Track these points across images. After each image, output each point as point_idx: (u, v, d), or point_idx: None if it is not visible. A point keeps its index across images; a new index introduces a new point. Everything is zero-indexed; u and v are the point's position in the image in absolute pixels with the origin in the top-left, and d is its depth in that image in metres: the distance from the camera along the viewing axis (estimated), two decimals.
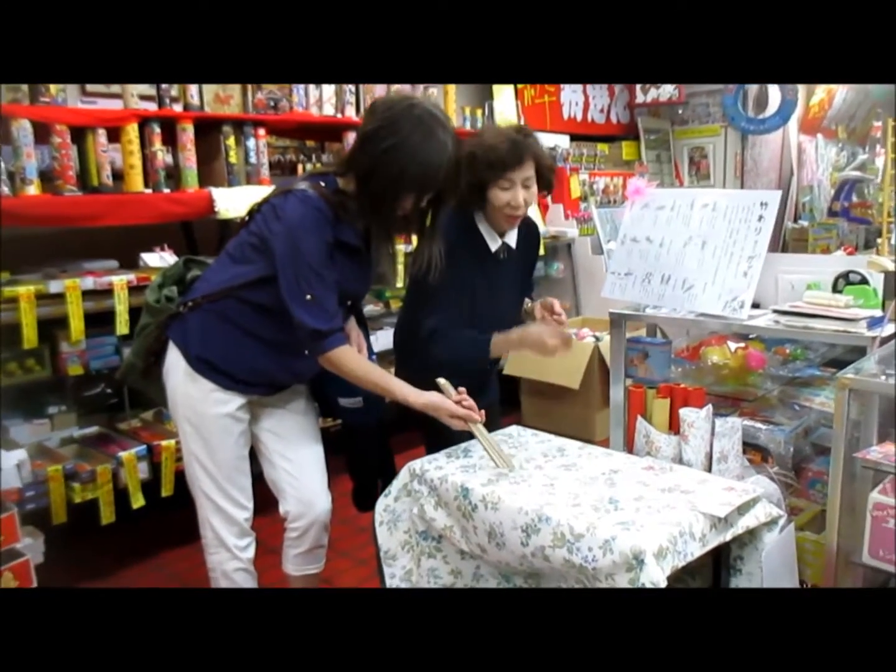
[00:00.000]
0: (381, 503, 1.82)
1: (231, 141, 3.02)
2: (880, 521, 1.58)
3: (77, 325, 2.46)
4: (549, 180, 2.04)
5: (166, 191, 2.81)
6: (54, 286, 2.43)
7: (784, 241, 5.49)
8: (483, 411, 1.78)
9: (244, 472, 1.90)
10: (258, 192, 3.00)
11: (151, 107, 2.87)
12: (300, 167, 3.40)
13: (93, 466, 2.56)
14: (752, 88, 5.49)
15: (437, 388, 1.78)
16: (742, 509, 1.59)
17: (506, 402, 1.97)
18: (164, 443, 2.68)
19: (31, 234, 2.71)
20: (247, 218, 1.83)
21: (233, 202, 2.88)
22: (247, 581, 1.95)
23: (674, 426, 2.02)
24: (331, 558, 2.10)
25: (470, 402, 1.77)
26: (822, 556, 1.81)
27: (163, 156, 2.83)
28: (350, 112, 3.52)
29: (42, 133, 2.50)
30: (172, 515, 2.60)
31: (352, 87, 3.51)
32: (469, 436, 2.02)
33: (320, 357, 1.75)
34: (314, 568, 2.02)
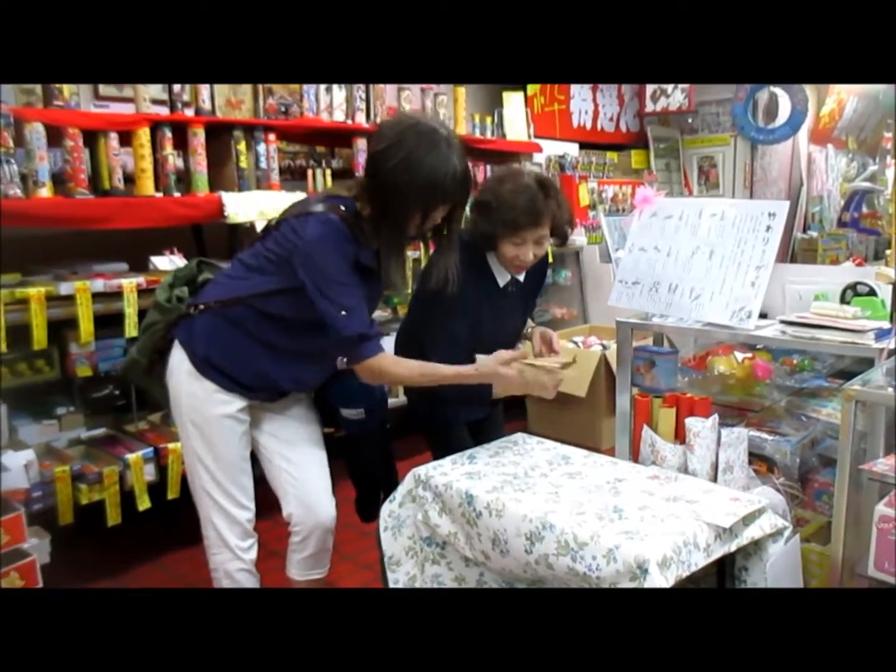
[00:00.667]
0: (386, 508, 1.83)
1: (242, 145, 3.03)
2: (886, 533, 1.57)
3: (86, 326, 2.47)
4: (563, 234, 2.03)
5: (176, 194, 2.83)
6: (64, 288, 2.45)
7: (793, 252, 5.48)
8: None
9: (246, 472, 1.91)
10: (268, 197, 3.05)
11: (163, 111, 2.89)
12: (310, 172, 3.41)
13: (100, 468, 2.57)
14: (763, 98, 5.49)
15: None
16: (747, 520, 1.58)
17: (511, 408, 1.97)
18: (170, 445, 2.69)
19: (42, 235, 2.73)
20: (263, 234, 1.85)
21: (242, 206, 2.89)
22: (249, 581, 1.95)
23: (679, 435, 2.02)
24: (334, 562, 2.10)
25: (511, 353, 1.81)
26: (827, 568, 1.80)
27: (174, 160, 2.84)
28: (360, 118, 3.53)
29: (55, 136, 2.52)
30: (178, 518, 2.61)
31: (362, 93, 3.53)
32: (474, 442, 2.02)
33: (363, 363, 1.74)
34: (318, 573, 2.01)
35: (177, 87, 2.90)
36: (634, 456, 2.13)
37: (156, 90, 2.95)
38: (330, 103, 3.42)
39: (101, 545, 2.77)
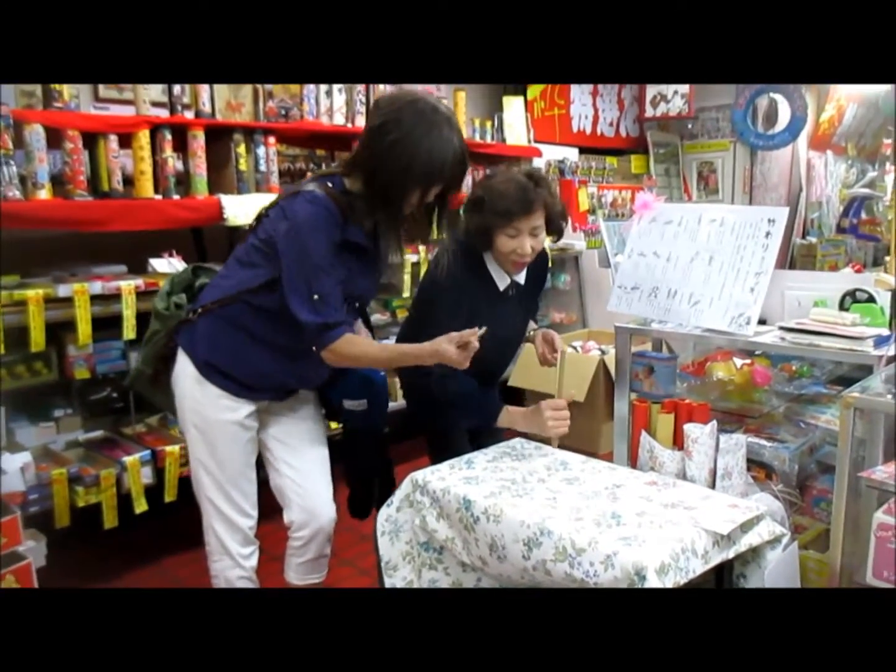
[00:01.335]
0: (384, 513, 1.82)
1: (241, 148, 3.03)
2: (885, 541, 1.56)
3: (85, 328, 2.47)
4: (559, 226, 2.04)
5: (176, 197, 2.83)
6: (63, 290, 2.44)
7: (792, 257, 5.49)
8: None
9: (250, 479, 1.90)
10: (267, 200, 3.03)
11: (163, 113, 2.89)
12: (309, 176, 3.41)
13: (97, 470, 2.56)
14: (762, 104, 5.50)
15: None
16: (745, 527, 1.58)
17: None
18: (168, 448, 2.68)
19: (41, 237, 2.73)
20: (255, 223, 1.84)
21: (242, 209, 2.89)
22: None
23: (678, 441, 2.01)
24: (333, 566, 2.09)
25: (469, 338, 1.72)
26: (826, 575, 1.80)
27: (173, 162, 2.84)
28: (360, 122, 3.53)
29: (54, 138, 2.52)
30: (175, 521, 2.61)
31: (362, 97, 3.53)
32: (473, 448, 2.02)
33: (326, 349, 1.72)
34: (317, 577, 2.01)
35: (177, 90, 2.90)
36: (633, 462, 2.12)
37: (156, 93, 2.95)
38: (330, 107, 3.42)
39: (97, 548, 2.76)
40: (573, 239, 4.72)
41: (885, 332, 1.98)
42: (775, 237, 2.07)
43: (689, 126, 5.93)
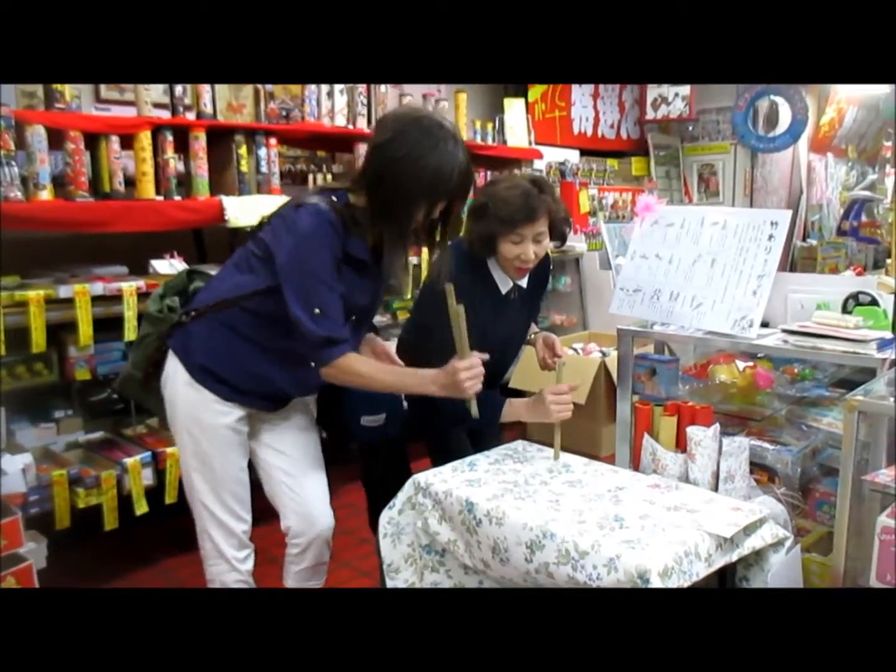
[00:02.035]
0: (385, 515, 1.81)
1: (243, 150, 3.03)
2: (888, 545, 1.56)
3: (86, 330, 2.46)
4: (562, 233, 2.03)
5: (177, 198, 2.83)
6: (64, 291, 2.44)
7: (792, 260, 5.49)
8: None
9: (243, 483, 1.88)
10: (268, 201, 3.04)
11: (165, 115, 2.89)
12: (311, 177, 3.41)
13: (97, 472, 2.56)
14: (763, 106, 5.50)
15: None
16: (748, 530, 1.58)
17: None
18: (168, 450, 2.68)
19: (42, 238, 2.72)
20: (256, 229, 1.83)
21: (243, 210, 2.89)
22: None
23: (681, 444, 2.01)
24: (333, 569, 2.09)
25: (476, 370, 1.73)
26: (828, 579, 1.80)
27: (175, 163, 2.84)
28: (361, 123, 3.54)
29: (56, 139, 2.52)
30: (175, 522, 2.60)
31: (364, 98, 3.53)
32: (475, 450, 2.02)
33: (327, 366, 1.71)
34: (315, 583, 2.00)
35: (178, 91, 2.90)
36: (635, 464, 2.12)
37: (157, 94, 2.95)
38: (331, 108, 3.42)
39: (98, 550, 2.76)
40: (574, 241, 4.71)
41: (888, 335, 1.98)
42: (778, 240, 2.07)
43: (690, 128, 5.94)
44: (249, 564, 1.93)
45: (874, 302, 2.18)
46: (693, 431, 1.93)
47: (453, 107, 4.06)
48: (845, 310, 2.20)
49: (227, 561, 1.88)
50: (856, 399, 1.63)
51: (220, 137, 3.00)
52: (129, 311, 2.54)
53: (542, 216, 1.91)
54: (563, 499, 1.67)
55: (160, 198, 2.79)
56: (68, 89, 2.59)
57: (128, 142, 2.72)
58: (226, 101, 3.11)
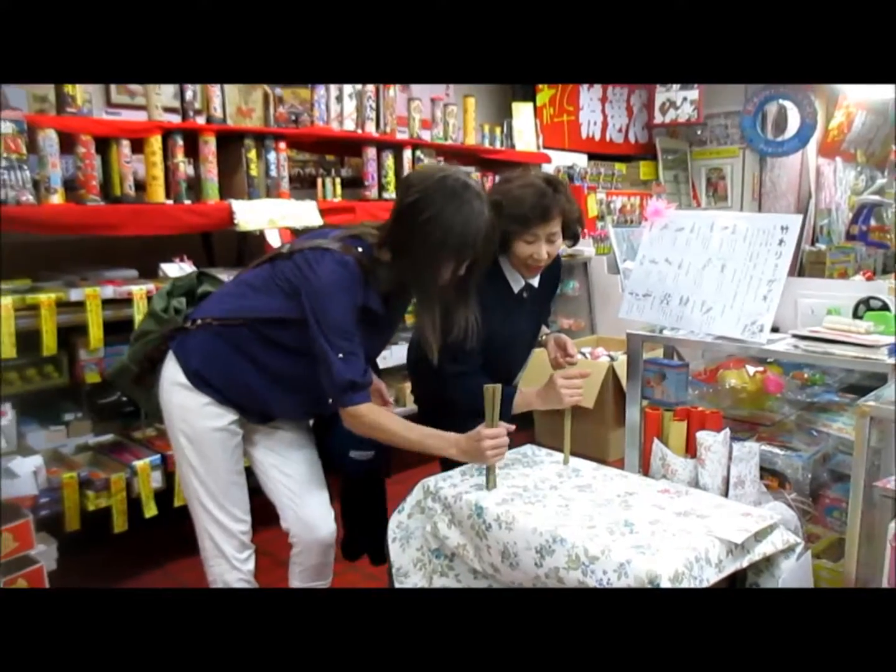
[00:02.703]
0: (395, 519, 1.81)
1: (252, 154, 3.05)
2: None
3: (96, 333, 2.48)
4: (575, 232, 2.03)
5: (187, 202, 2.84)
6: (74, 294, 2.46)
7: (801, 264, 5.48)
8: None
9: (240, 485, 1.89)
10: (278, 205, 3.05)
11: (175, 119, 2.91)
12: (319, 181, 3.41)
13: (107, 474, 2.57)
14: (771, 111, 5.49)
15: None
16: (759, 535, 1.57)
17: (519, 420, 1.97)
18: None
19: (53, 241, 2.73)
20: (271, 258, 1.82)
21: (252, 214, 2.90)
22: None
23: (690, 449, 2.00)
24: (340, 571, 2.09)
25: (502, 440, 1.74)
26: (839, 585, 1.79)
27: (185, 167, 2.85)
28: (370, 127, 3.54)
29: (67, 143, 2.54)
30: (184, 525, 2.60)
31: (372, 103, 3.54)
32: None
33: (348, 411, 1.73)
34: (320, 584, 2.01)
35: (188, 95, 2.91)
36: (644, 469, 2.11)
37: (167, 98, 2.96)
38: (340, 112, 3.43)
39: (107, 552, 2.76)
40: (582, 245, 4.70)
41: None
42: (788, 245, 2.07)
43: (698, 132, 5.93)
44: (251, 564, 1.93)
45: (885, 307, 2.17)
46: (703, 436, 1.92)
47: (462, 111, 4.07)
48: (856, 315, 2.19)
49: (228, 560, 1.89)
50: (867, 405, 1.63)
51: (230, 141, 3.01)
52: (139, 315, 2.55)
53: (556, 216, 1.90)
54: (573, 503, 1.67)
55: (170, 201, 2.80)
56: (80, 94, 2.60)
57: (138, 146, 2.73)
58: (235, 105, 3.12)
